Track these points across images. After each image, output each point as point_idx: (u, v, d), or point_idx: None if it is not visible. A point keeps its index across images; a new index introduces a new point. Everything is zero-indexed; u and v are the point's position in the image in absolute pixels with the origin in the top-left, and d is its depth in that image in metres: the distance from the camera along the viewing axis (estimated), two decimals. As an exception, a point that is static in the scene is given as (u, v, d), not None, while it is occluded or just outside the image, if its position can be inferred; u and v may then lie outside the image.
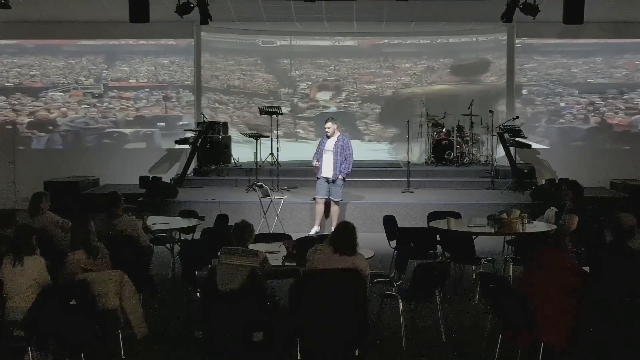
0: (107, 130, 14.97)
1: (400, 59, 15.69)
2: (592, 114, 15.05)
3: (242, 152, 14.60)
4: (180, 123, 14.97)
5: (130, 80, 15.00)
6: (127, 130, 15.00)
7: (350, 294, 5.73)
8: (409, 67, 15.66)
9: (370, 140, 15.53)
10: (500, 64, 15.34)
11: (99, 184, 14.21)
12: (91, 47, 15.01)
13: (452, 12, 13.68)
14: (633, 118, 14.96)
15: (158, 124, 15.05)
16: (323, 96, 15.64)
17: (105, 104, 14.99)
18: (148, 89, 14.99)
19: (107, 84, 15.00)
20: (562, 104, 15.08)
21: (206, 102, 15.21)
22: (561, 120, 15.15)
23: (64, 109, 14.97)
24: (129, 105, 15.00)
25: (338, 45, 15.61)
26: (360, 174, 12.93)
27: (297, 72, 15.49)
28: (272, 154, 13.60)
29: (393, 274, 7.52)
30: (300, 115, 15.55)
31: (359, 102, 15.60)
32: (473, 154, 14.80)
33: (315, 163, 10.83)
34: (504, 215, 8.02)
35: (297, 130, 15.48)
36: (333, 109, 15.34)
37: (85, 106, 14.97)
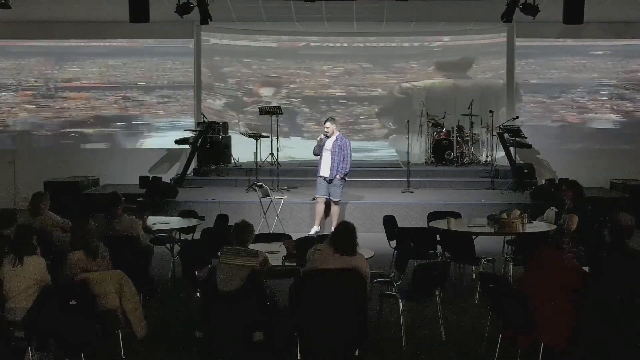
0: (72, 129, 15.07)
1: (318, 61, 15.87)
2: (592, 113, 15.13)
3: (242, 152, 14.62)
4: (135, 122, 15.11)
5: (83, 81, 15.06)
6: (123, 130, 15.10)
7: (350, 294, 5.73)
8: (326, 70, 15.89)
9: (309, 138, 15.48)
10: (501, 63, 15.35)
11: (99, 184, 14.21)
12: (48, 47, 15.03)
13: (452, 12, 13.69)
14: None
15: (117, 123, 15.14)
16: (265, 92, 15.75)
17: (60, 102, 15.06)
18: (102, 89, 15.11)
19: (57, 85, 15.06)
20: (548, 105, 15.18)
21: (155, 99, 15.20)
22: (562, 120, 15.18)
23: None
24: (84, 104, 15.08)
25: (260, 45, 15.66)
26: (360, 174, 12.94)
27: (226, 68, 15.46)
28: (272, 154, 13.60)
29: (393, 274, 7.52)
30: (244, 109, 15.72)
31: (300, 99, 15.74)
32: (473, 154, 14.81)
33: (321, 137, 10.80)
34: (504, 215, 8.03)
35: (240, 122, 15.54)
36: (275, 104, 15.47)
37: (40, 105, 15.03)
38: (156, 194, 11.97)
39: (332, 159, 10.60)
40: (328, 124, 10.73)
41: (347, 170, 10.70)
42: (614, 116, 15.06)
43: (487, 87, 15.62)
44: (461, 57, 15.83)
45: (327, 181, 10.68)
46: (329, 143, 10.69)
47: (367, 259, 6.17)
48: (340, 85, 15.80)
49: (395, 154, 15.28)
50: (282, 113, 13.96)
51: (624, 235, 5.66)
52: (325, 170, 10.68)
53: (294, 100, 15.73)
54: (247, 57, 15.71)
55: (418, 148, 15.09)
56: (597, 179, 13.94)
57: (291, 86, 15.76)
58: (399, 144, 14.96)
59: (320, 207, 10.86)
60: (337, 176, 10.63)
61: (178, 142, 14.07)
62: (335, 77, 15.83)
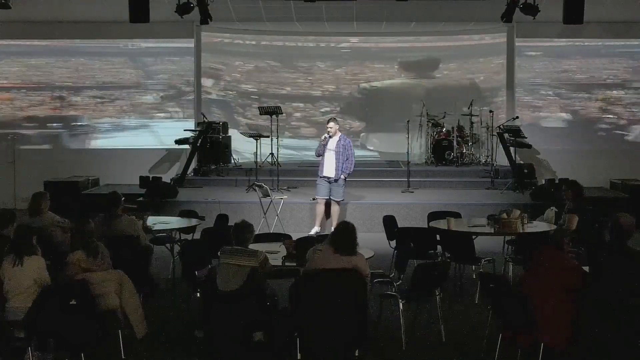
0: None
1: (232, 57, 15.97)
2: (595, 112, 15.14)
3: (242, 152, 14.60)
4: (74, 123, 15.10)
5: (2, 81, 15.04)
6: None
7: (350, 294, 5.73)
8: (238, 65, 16.02)
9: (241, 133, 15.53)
10: (501, 62, 15.36)
11: (99, 184, 14.20)
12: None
13: (452, 12, 13.69)
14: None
15: (55, 124, 15.14)
16: (205, 83, 15.71)
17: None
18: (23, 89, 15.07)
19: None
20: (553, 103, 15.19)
21: (84, 100, 15.16)
22: (563, 120, 15.19)
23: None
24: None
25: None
26: (360, 174, 12.92)
27: (155, 67, 15.42)
28: (272, 154, 13.60)
29: (393, 274, 7.52)
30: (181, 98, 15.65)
31: (235, 92, 15.82)
32: (473, 154, 14.81)
33: (324, 136, 10.77)
34: (504, 215, 8.02)
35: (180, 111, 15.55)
36: (214, 96, 15.57)
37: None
38: (156, 194, 11.97)
39: (337, 158, 10.61)
40: (331, 124, 10.72)
41: (351, 170, 10.71)
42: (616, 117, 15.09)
43: (487, 87, 15.63)
44: (464, 56, 15.83)
45: (329, 181, 10.68)
46: (332, 143, 10.68)
47: (367, 259, 6.16)
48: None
49: (375, 153, 15.55)
50: (282, 113, 13.96)
51: (624, 236, 5.67)
52: (329, 171, 10.67)
53: (230, 92, 15.80)
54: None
55: (418, 148, 15.12)
56: (597, 179, 13.94)
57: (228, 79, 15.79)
58: (370, 143, 15.34)
59: (320, 208, 10.87)
60: (342, 176, 10.64)
61: (178, 142, 14.07)
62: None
